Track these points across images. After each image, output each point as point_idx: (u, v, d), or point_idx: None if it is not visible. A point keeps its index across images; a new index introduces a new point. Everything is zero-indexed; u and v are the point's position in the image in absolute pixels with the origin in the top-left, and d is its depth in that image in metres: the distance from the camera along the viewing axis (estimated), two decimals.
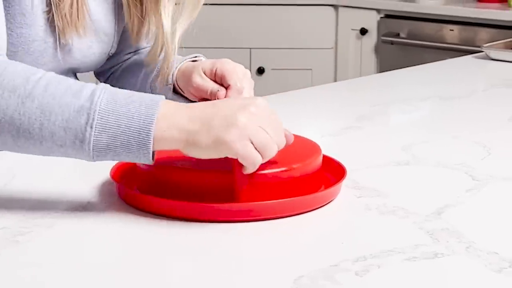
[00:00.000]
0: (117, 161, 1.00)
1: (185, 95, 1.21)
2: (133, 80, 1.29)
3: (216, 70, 1.14)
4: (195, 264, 0.82)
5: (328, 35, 3.46)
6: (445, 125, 1.44)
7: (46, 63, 1.12)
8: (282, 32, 3.46)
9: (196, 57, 1.25)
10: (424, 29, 3.20)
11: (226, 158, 0.94)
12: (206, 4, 1.25)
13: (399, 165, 1.15)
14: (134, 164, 1.00)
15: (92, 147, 0.88)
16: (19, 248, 0.85)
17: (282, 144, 0.93)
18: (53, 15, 1.08)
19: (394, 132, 1.38)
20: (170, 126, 0.88)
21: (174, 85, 1.22)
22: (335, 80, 3.45)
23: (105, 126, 0.88)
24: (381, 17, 3.32)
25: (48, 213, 0.94)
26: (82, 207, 0.96)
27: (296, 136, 1.07)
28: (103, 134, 0.88)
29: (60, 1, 1.08)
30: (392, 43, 3.26)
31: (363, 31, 3.35)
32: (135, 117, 0.88)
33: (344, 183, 1.01)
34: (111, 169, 1.01)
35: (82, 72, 1.24)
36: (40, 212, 0.94)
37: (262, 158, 0.90)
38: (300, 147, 1.03)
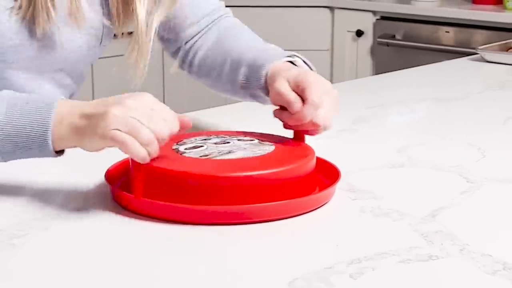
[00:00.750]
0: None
1: (269, 95, 1.14)
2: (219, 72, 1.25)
3: (299, 81, 1.07)
4: (189, 267, 0.82)
5: (324, 37, 3.46)
6: (440, 127, 1.44)
7: (17, 60, 1.11)
8: (278, 33, 3.46)
9: (290, 56, 1.18)
10: (420, 31, 3.21)
11: (222, 161, 0.95)
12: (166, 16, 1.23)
13: (394, 167, 1.16)
14: (129, 166, 1.00)
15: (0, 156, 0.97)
16: (15, 251, 0.85)
17: (160, 133, 0.92)
18: (20, 9, 1.07)
19: (390, 134, 1.38)
20: (65, 125, 0.94)
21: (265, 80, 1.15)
22: (331, 82, 3.44)
23: (5, 136, 0.95)
24: (377, 19, 3.32)
25: (44, 216, 0.94)
26: (77, 209, 0.96)
27: (289, 139, 1.08)
28: (5, 143, 0.95)
29: None
30: (388, 44, 3.26)
31: (359, 33, 3.35)
32: (33, 125, 0.95)
33: (339, 186, 1.02)
34: (106, 172, 1.02)
35: (76, 68, 1.20)
36: (36, 214, 0.94)
37: (138, 140, 0.91)
38: (294, 149, 1.04)
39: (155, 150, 0.92)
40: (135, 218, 0.94)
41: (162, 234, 0.90)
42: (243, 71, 1.19)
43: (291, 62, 1.17)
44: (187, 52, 1.30)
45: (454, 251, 0.85)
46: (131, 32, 1.19)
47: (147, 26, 1.16)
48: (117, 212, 0.95)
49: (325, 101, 1.06)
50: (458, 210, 0.98)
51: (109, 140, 0.91)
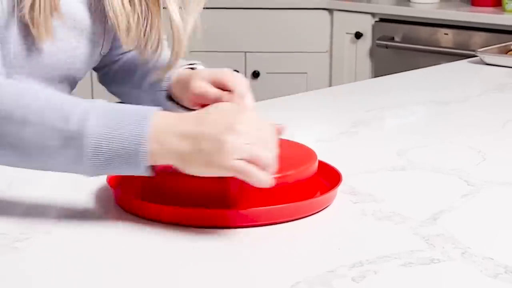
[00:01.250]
0: None
1: (183, 103, 1.19)
2: (130, 79, 1.29)
3: (216, 77, 1.12)
4: (191, 270, 0.82)
5: (323, 39, 3.47)
6: (440, 130, 1.44)
7: (24, 65, 1.11)
8: (277, 36, 3.46)
9: (192, 64, 1.23)
10: (419, 33, 3.21)
11: None
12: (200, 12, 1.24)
13: (394, 170, 1.16)
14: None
15: (92, 165, 0.90)
16: (17, 255, 0.85)
17: (273, 152, 0.92)
18: (24, 16, 1.06)
19: (389, 137, 1.38)
20: (162, 150, 0.89)
21: (170, 93, 1.21)
22: (330, 84, 3.45)
23: (99, 151, 0.89)
24: (376, 21, 3.33)
25: (46, 219, 0.94)
26: (79, 213, 0.96)
27: (291, 142, 1.08)
28: (99, 157, 0.89)
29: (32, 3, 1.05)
30: (386, 47, 3.26)
31: (358, 35, 3.36)
32: (126, 141, 0.89)
33: (340, 189, 1.02)
34: (108, 176, 1.02)
35: (76, 75, 1.21)
36: (38, 218, 0.94)
37: (259, 168, 0.89)
38: (296, 153, 1.04)
39: (274, 169, 0.91)
40: (138, 221, 0.94)
41: (163, 237, 0.90)
42: (149, 78, 1.23)
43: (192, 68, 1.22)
44: (109, 67, 1.33)
45: (456, 254, 0.85)
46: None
47: (184, 29, 1.17)
48: (120, 216, 0.95)
49: (246, 90, 1.11)
50: (459, 213, 0.98)
51: (231, 171, 0.88)
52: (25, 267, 0.82)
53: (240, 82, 1.11)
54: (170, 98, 1.22)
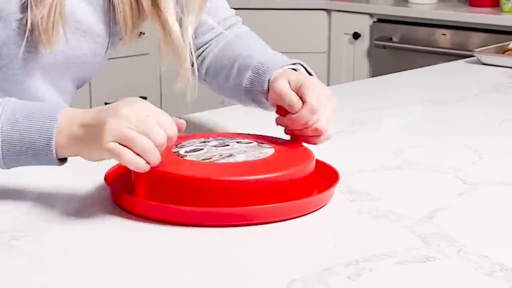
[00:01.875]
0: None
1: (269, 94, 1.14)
2: (226, 78, 1.26)
3: (299, 84, 1.09)
4: (187, 269, 0.82)
5: (321, 40, 3.47)
6: (436, 129, 1.44)
7: (20, 67, 1.11)
8: (275, 36, 3.46)
9: (294, 64, 1.20)
10: (417, 34, 3.21)
11: (223, 164, 0.95)
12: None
13: (391, 169, 1.16)
14: (128, 169, 1.00)
15: (4, 162, 0.97)
16: (13, 253, 0.85)
17: (156, 140, 0.92)
18: (27, 19, 1.06)
19: (386, 137, 1.39)
20: (63, 138, 0.95)
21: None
22: (328, 84, 3.45)
23: (9, 145, 0.95)
24: (374, 22, 3.33)
25: (42, 218, 0.94)
26: (76, 211, 0.97)
27: (288, 141, 1.08)
28: (6, 147, 0.95)
29: (37, 5, 1.05)
30: (384, 47, 3.27)
31: (356, 36, 3.36)
32: (36, 135, 0.95)
33: (337, 188, 1.02)
34: (105, 174, 1.02)
35: (81, 76, 1.21)
36: (34, 216, 0.94)
37: (134, 151, 0.91)
38: (293, 152, 1.04)
39: (155, 157, 0.92)
40: (134, 220, 0.94)
41: (159, 236, 0.90)
42: (248, 75, 1.20)
43: (294, 69, 1.18)
44: (196, 58, 1.29)
45: (451, 252, 0.86)
46: (142, 33, 1.21)
47: (181, 34, 1.16)
48: (116, 214, 0.96)
49: (324, 106, 1.07)
50: (455, 211, 0.99)
51: (106, 152, 0.92)
52: (21, 265, 0.82)
53: (316, 97, 1.07)
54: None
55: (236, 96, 1.24)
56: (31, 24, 1.06)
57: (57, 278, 0.80)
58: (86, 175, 1.07)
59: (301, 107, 1.06)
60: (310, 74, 1.21)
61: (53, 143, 0.94)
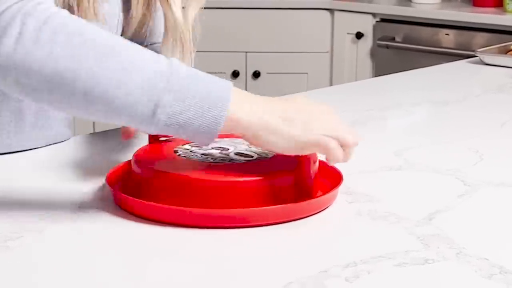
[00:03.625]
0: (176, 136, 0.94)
1: None
2: None
3: None
4: (186, 270, 0.82)
5: (323, 39, 3.46)
6: (438, 130, 1.44)
7: None
8: (278, 36, 3.46)
9: None
10: (420, 34, 3.21)
11: (226, 165, 0.95)
12: (201, 8, 1.24)
13: (391, 170, 1.16)
14: (130, 169, 1.00)
15: (166, 113, 0.87)
16: (9, 254, 0.85)
17: (359, 140, 0.97)
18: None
19: (387, 137, 1.38)
20: (247, 111, 0.91)
21: None
22: (331, 84, 3.45)
23: (183, 95, 0.87)
24: (377, 21, 3.33)
25: (39, 218, 0.93)
26: (73, 212, 0.96)
27: None
28: (179, 102, 0.87)
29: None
30: (387, 47, 3.26)
31: (359, 35, 3.35)
32: (213, 92, 0.88)
33: None
34: (107, 174, 1.01)
35: None
36: (31, 217, 0.94)
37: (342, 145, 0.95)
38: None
39: (352, 154, 0.97)
40: (131, 220, 0.93)
41: (160, 236, 0.90)
42: None
43: None
44: None
45: (451, 254, 0.85)
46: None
47: (185, 21, 1.18)
48: (114, 214, 0.95)
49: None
50: (455, 213, 0.98)
51: (315, 143, 0.93)
52: (17, 267, 0.82)
53: None
54: None
55: None
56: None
57: (54, 280, 0.79)
58: (82, 176, 1.07)
59: None
60: None
61: (226, 108, 0.88)
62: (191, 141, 0.98)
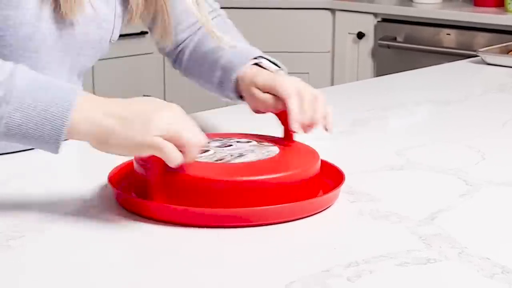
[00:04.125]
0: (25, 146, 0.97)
1: (246, 100, 1.20)
2: (200, 73, 1.29)
3: (269, 85, 1.15)
4: (189, 269, 0.82)
5: (325, 39, 3.46)
6: (439, 130, 1.44)
7: (37, 50, 1.10)
8: (279, 35, 3.46)
9: (256, 58, 1.22)
10: (421, 33, 3.20)
11: (233, 165, 0.94)
12: None
13: (393, 170, 1.15)
14: (133, 168, 1.00)
15: (5, 124, 0.88)
16: (10, 253, 0.84)
17: (201, 142, 0.93)
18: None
19: (389, 137, 1.38)
20: (85, 118, 0.89)
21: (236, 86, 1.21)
22: (332, 84, 3.45)
23: (21, 105, 0.88)
24: (378, 21, 3.32)
25: (41, 218, 0.93)
26: (74, 212, 0.96)
27: (293, 141, 1.08)
28: (17, 113, 0.88)
29: None
30: (389, 47, 3.26)
31: (360, 35, 3.35)
32: (52, 103, 0.88)
33: None
34: (109, 174, 1.01)
35: (85, 63, 1.20)
36: (32, 216, 0.94)
37: (183, 152, 0.91)
38: (299, 151, 1.03)
39: (195, 153, 0.93)
40: (133, 219, 0.93)
41: (162, 236, 0.90)
42: (218, 74, 1.23)
43: (257, 64, 1.22)
44: (178, 54, 1.33)
45: (453, 254, 0.85)
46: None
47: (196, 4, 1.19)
48: (116, 214, 0.95)
49: (306, 97, 1.11)
50: (457, 213, 0.98)
51: (147, 147, 0.90)
52: (18, 266, 0.82)
53: (286, 88, 1.12)
54: (241, 96, 1.22)
55: (214, 92, 1.27)
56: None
57: (55, 279, 0.79)
58: (86, 175, 1.07)
59: (290, 106, 1.09)
60: (275, 64, 1.25)
61: (67, 121, 0.89)
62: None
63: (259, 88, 1.16)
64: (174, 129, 0.90)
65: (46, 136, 0.89)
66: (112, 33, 1.20)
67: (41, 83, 0.90)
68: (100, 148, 0.92)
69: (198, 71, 1.29)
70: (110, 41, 1.21)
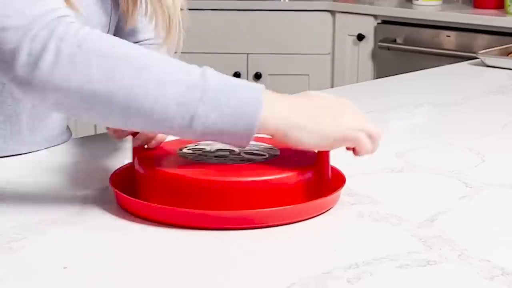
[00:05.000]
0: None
1: None
2: None
3: None
4: (189, 271, 0.82)
5: (325, 41, 3.47)
6: (439, 132, 1.44)
7: None
8: (279, 37, 3.46)
9: None
10: (421, 35, 3.21)
11: (218, 166, 0.95)
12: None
13: (393, 172, 1.16)
14: (133, 170, 1.00)
15: (202, 123, 0.90)
16: (12, 255, 0.85)
17: (382, 134, 1.00)
18: None
19: (389, 139, 1.37)
20: (272, 114, 0.92)
21: None
22: (332, 86, 3.45)
23: (216, 105, 0.90)
24: (378, 23, 3.33)
25: (42, 220, 0.94)
26: (75, 214, 0.96)
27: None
28: (213, 112, 0.90)
29: None
30: (389, 49, 3.26)
31: (360, 37, 3.36)
32: (243, 99, 0.91)
33: None
34: (110, 175, 1.01)
35: None
36: (34, 218, 0.94)
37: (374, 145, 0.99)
38: (299, 154, 1.04)
39: (377, 145, 1.00)
40: (135, 221, 0.94)
41: (162, 238, 0.90)
42: None
43: None
44: None
45: (453, 256, 0.85)
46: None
47: (173, 6, 1.18)
48: (117, 216, 0.95)
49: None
50: (457, 215, 0.98)
51: (344, 139, 0.96)
52: (19, 268, 0.82)
53: None
54: None
55: None
56: None
57: (57, 281, 0.79)
58: (87, 176, 1.07)
59: None
60: None
61: (260, 116, 0.91)
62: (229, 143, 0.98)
63: None
64: (360, 122, 0.97)
65: (240, 132, 0.91)
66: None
67: (230, 82, 0.92)
68: (287, 142, 0.94)
69: None
70: None
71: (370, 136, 0.97)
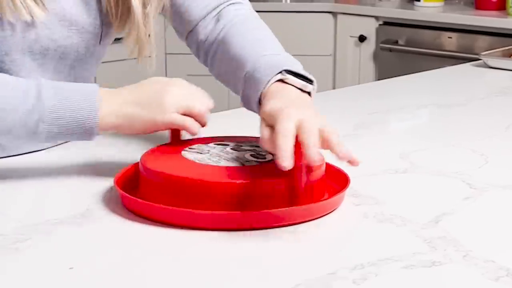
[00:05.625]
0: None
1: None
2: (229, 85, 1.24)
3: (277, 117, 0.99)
4: (194, 271, 0.82)
5: (326, 42, 3.47)
6: (443, 133, 1.44)
7: (9, 52, 1.11)
8: (280, 39, 3.43)
9: (282, 72, 1.11)
10: (423, 37, 3.21)
11: (220, 168, 0.95)
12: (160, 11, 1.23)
13: (397, 173, 1.16)
14: (138, 171, 1.00)
15: (45, 138, 1.03)
16: (18, 256, 0.85)
17: (209, 108, 1.07)
18: None
19: (392, 140, 1.38)
20: (109, 113, 1.04)
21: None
22: (334, 87, 3.45)
23: (55, 120, 1.02)
24: (380, 24, 3.33)
25: (47, 220, 0.94)
26: (81, 214, 0.96)
27: (298, 144, 1.08)
28: (53, 127, 1.02)
29: None
30: (390, 50, 3.27)
31: (362, 38, 3.36)
32: (79, 109, 1.02)
33: None
34: (115, 177, 1.02)
35: (78, 66, 1.20)
36: (39, 219, 0.94)
37: (193, 116, 1.05)
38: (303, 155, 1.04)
39: (206, 120, 1.07)
40: (140, 222, 0.94)
41: (166, 238, 0.90)
42: (241, 87, 1.15)
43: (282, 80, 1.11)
44: (198, 48, 1.28)
45: (457, 257, 0.85)
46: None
47: (144, 19, 1.17)
48: (122, 217, 0.95)
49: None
50: (461, 216, 0.98)
51: (169, 123, 1.04)
52: (25, 268, 0.82)
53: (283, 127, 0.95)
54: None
55: (241, 102, 1.19)
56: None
57: (62, 282, 0.79)
58: (93, 177, 1.07)
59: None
60: (306, 78, 1.16)
61: (97, 120, 1.03)
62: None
63: (265, 119, 1.00)
64: (185, 103, 1.04)
65: (83, 135, 1.04)
66: (101, 37, 1.19)
67: (64, 95, 1.03)
68: (130, 133, 1.06)
69: (225, 78, 1.22)
70: (100, 44, 1.21)
71: (195, 115, 1.05)
